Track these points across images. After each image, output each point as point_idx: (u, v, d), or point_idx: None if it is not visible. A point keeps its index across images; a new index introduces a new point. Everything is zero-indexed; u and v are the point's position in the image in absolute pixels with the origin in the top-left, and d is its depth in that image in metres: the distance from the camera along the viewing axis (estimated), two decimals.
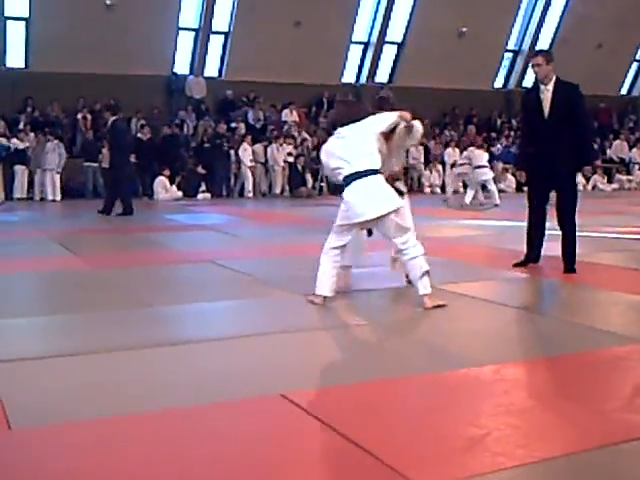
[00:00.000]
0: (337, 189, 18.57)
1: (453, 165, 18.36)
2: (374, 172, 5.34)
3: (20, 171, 16.67)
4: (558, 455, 2.86)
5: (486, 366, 4.03)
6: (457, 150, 20.40)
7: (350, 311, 5.39)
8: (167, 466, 2.80)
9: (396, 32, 22.68)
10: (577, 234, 6.99)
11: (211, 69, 21.25)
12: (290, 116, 20.75)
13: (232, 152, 18.28)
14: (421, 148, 20.60)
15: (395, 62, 23.00)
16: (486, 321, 5.33)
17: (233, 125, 19.67)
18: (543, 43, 24.69)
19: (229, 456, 2.90)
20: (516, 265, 7.04)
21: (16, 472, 2.76)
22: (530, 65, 7.00)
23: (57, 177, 16.56)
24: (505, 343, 4.69)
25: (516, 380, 3.92)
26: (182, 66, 20.91)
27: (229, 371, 3.99)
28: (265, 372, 3.92)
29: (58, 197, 16.59)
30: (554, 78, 6.79)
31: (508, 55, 24.71)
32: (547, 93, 6.76)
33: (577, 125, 6.72)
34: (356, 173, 5.33)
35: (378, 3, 22.26)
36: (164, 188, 16.93)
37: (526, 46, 24.53)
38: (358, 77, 23.16)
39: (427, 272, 5.32)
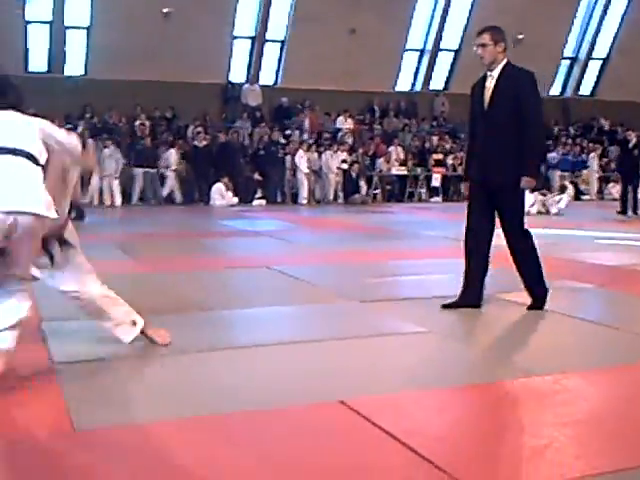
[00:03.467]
0: (392, 197, 18.49)
1: None
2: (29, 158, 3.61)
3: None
4: (619, 468, 2.83)
5: (547, 375, 3.99)
6: None
7: (408, 318, 5.36)
8: (221, 470, 2.83)
9: (452, 39, 22.59)
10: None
11: (267, 77, 21.42)
12: (344, 123, 20.78)
13: (287, 159, 18.39)
14: None
15: (451, 69, 22.89)
16: (544, 330, 5.29)
17: (288, 132, 19.78)
18: (601, 50, 24.35)
19: (285, 462, 2.91)
20: (445, 306, 5.61)
21: (82, 474, 2.82)
22: (474, 46, 5.53)
23: (115, 182, 16.82)
24: (564, 352, 4.63)
25: (577, 390, 3.87)
26: (238, 74, 21.11)
27: (286, 376, 4.01)
28: (323, 378, 3.92)
29: (117, 202, 16.84)
30: (503, 62, 5.44)
31: (565, 62, 24.42)
32: (491, 80, 5.42)
33: (523, 121, 5.28)
34: None
35: (434, 10, 22.21)
36: (220, 194, 17.09)
37: (583, 53, 24.23)
38: (413, 84, 23.11)
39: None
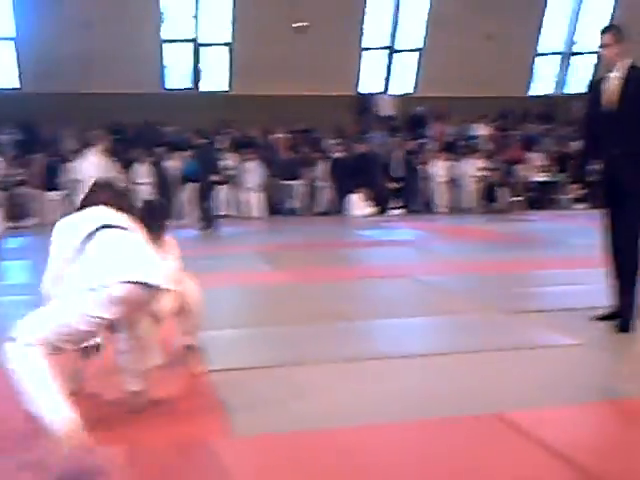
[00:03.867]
0: (535, 202, 17.75)
1: None
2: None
3: (222, 189, 17.44)
4: None
5: None
6: None
7: (557, 330, 5.20)
8: (385, 476, 2.83)
9: (589, 41, 21.93)
10: None
11: (401, 86, 21.42)
12: (481, 130, 20.46)
13: (423, 167, 18.27)
14: None
15: (595, 70, 22.13)
16: None
17: (423, 140, 19.66)
18: None
19: (443, 474, 2.88)
20: (598, 318, 5.42)
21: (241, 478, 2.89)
22: (598, 47, 5.33)
23: (259, 195, 17.12)
24: None
25: None
26: (372, 84, 21.21)
27: (436, 388, 3.98)
28: (477, 391, 3.87)
29: (261, 214, 17.07)
30: (627, 63, 5.22)
31: None
32: (611, 81, 5.23)
33: None
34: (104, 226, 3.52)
35: (570, 11, 21.65)
36: (358, 205, 17.17)
37: None
38: (556, 87, 22.58)
39: None
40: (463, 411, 3.52)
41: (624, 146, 5.13)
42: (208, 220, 13.91)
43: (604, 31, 5.33)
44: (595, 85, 5.45)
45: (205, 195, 14.09)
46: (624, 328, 5.17)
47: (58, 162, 15.73)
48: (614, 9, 21.34)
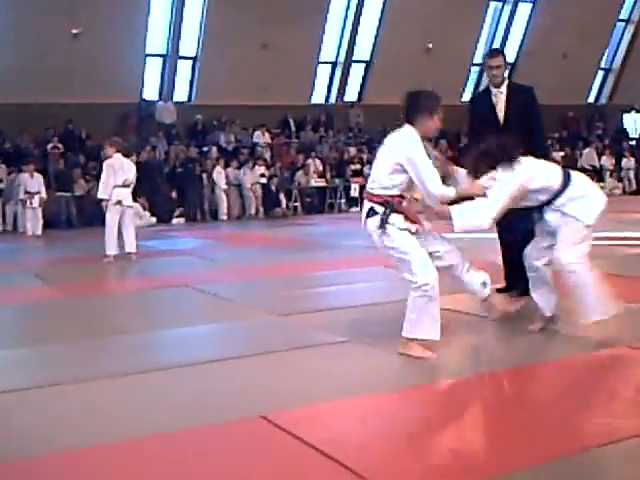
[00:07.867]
0: (312, 209, 18.37)
1: None
2: None
3: None
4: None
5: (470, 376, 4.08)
6: None
7: (328, 329, 5.36)
8: None
9: (363, 51, 22.86)
10: None
11: (180, 94, 21.27)
12: (262, 138, 20.78)
13: (204, 176, 18.28)
14: None
15: (364, 80, 23.13)
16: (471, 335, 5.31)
17: (205, 149, 19.67)
18: (509, 55, 24.89)
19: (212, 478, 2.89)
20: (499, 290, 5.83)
21: None
22: (486, 67, 6.04)
23: (34, 208, 16.18)
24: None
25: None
26: (151, 92, 20.90)
27: (209, 395, 3.98)
28: (245, 395, 3.91)
29: (35, 229, 16.03)
30: (507, 81, 6.07)
31: (475, 69, 24.91)
32: (501, 96, 5.98)
33: (531, 130, 5.82)
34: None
35: (344, 23, 22.44)
36: (138, 214, 16.82)
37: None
38: (328, 97, 23.29)
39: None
40: (228, 416, 3.55)
41: None
42: None
43: (494, 55, 6.04)
44: (482, 101, 6.14)
45: None
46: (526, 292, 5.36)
47: None
48: (379, 22, 22.37)
